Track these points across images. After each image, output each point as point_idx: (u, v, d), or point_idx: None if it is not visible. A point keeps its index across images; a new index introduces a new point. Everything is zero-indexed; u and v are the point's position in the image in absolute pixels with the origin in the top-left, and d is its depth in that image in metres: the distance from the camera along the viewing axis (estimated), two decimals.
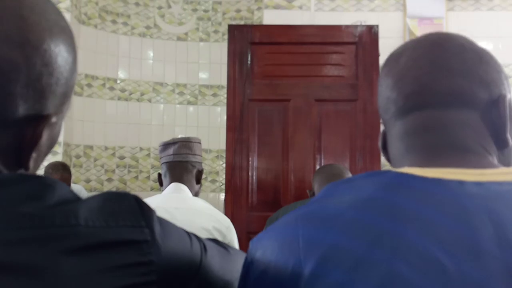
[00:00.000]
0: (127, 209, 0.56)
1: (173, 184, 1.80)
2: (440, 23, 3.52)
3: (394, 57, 0.67)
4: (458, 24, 3.52)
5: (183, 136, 2.01)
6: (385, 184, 0.55)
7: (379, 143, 0.71)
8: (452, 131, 0.61)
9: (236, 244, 1.77)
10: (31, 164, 0.56)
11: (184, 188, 1.80)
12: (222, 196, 4.04)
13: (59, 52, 0.55)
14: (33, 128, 0.54)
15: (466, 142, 0.60)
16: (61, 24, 0.57)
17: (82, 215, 0.52)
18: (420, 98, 0.62)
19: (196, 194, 1.88)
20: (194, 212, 1.70)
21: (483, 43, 3.54)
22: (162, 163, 1.87)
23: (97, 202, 0.55)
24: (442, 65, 0.62)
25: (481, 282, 0.47)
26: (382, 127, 0.72)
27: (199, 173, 1.88)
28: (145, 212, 0.57)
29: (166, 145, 1.87)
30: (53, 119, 0.57)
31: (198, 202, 1.77)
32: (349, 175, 1.99)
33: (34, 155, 0.56)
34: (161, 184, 1.88)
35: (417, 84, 0.62)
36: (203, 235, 1.65)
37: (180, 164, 1.83)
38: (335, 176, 1.93)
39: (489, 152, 0.60)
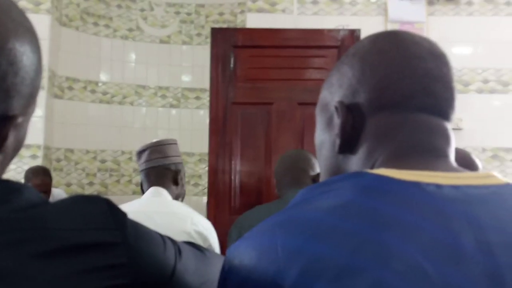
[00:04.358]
0: (98, 212, 0.55)
1: (152, 188, 1.79)
2: (421, 27, 3.57)
3: (377, 49, 0.66)
4: (438, 28, 3.57)
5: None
6: (363, 188, 0.55)
7: (339, 126, 0.65)
8: (430, 135, 0.62)
9: (217, 248, 1.76)
10: None
11: (163, 192, 1.78)
12: (205, 199, 4.03)
13: (25, 52, 0.54)
14: None
15: (440, 146, 0.62)
16: (26, 24, 0.56)
17: (51, 218, 0.52)
18: (403, 99, 0.63)
19: (177, 196, 1.86)
20: (174, 216, 1.69)
21: (463, 48, 3.60)
22: (140, 171, 1.87)
23: (67, 205, 0.55)
24: (427, 73, 0.63)
25: (463, 287, 0.47)
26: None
27: (175, 173, 1.84)
28: (116, 214, 0.57)
29: (139, 153, 1.87)
30: (19, 120, 0.56)
31: (178, 205, 1.76)
32: (315, 160, 1.91)
33: (0, 157, 0.54)
34: (143, 192, 1.87)
35: (401, 85, 0.63)
36: (184, 238, 1.64)
37: (153, 170, 1.82)
38: (300, 162, 1.87)
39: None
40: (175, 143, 1.90)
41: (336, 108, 0.66)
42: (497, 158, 3.52)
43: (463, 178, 0.57)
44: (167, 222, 1.67)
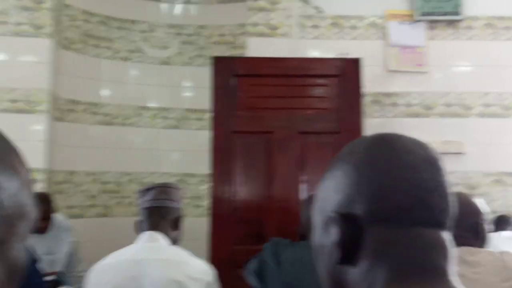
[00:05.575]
0: None
1: (147, 233, 1.77)
2: (422, 51, 3.57)
3: (371, 159, 0.66)
4: (439, 52, 3.58)
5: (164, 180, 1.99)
6: None
7: (337, 237, 0.64)
8: (428, 251, 0.63)
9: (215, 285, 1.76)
10: None
11: (158, 236, 1.77)
12: (205, 221, 4.03)
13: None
14: None
15: (438, 263, 0.62)
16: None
17: None
18: (407, 213, 0.63)
19: (174, 241, 1.85)
20: (166, 263, 1.68)
21: (463, 71, 3.60)
22: (140, 209, 1.85)
23: None
24: (423, 185, 0.64)
25: None
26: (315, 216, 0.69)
27: (177, 219, 1.84)
28: None
29: (144, 191, 1.86)
30: (5, 245, 0.54)
31: (174, 251, 1.75)
32: None
33: None
34: (137, 231, 1.85)
35: (403, 195, 0.63)
36: (174, 287, 1.64)
37: (157, 210, 1.82)
38: None
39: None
40: (180, 189, 1.92)
41: (333, 218, 0.66)
42: (501, 182, 3.51)
43: None
44: (158, 270, 1.66)
